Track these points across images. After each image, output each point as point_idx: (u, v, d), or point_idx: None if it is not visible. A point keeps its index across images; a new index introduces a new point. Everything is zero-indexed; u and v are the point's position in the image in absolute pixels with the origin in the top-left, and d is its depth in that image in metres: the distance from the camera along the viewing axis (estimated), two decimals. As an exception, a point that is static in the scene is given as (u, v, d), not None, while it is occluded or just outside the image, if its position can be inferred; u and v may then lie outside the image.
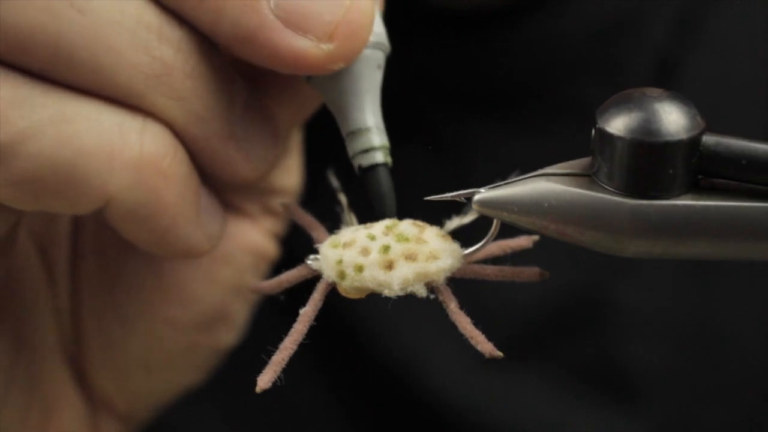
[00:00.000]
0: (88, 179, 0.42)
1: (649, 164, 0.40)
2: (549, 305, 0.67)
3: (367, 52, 0.45)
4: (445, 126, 0.66)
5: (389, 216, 0.45)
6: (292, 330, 0.44)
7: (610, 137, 0.40)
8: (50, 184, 0.42)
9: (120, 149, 0.42)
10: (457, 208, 0.45)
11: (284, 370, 0.43)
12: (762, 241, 0.41)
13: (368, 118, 0.45)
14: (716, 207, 0.41)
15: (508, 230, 0.44)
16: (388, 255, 0.43)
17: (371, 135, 0.45)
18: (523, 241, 0.46)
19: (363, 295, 0.44)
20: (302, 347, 0.43)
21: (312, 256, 0.45)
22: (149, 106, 0.43)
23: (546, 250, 0.45)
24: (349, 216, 0.46)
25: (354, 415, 0.70)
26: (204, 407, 0.68)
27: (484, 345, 0.42)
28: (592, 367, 0.68)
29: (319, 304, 0.44)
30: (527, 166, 0.42)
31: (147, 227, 0.44)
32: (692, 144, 0.40)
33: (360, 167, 0.45)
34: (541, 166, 0.42)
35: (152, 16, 0.42)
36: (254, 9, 0.42)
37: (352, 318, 0.63)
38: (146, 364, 0.53)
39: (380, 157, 0.45)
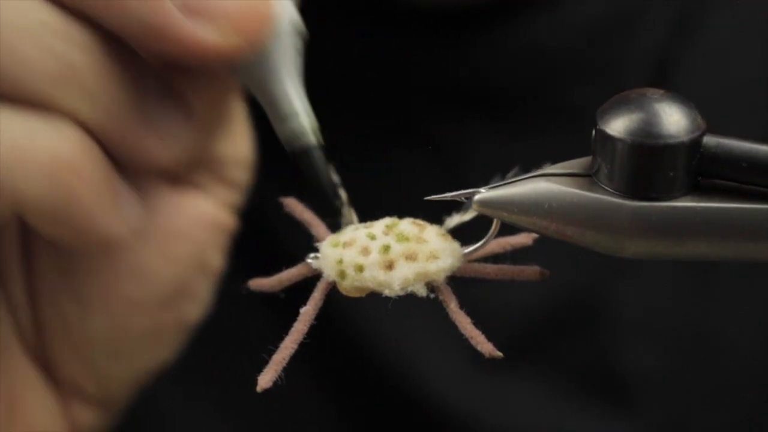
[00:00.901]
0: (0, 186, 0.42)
1: (649, 166, 0.40)
2: (547, 306, 0.67)
3: (281, 36, 0.45)
4: (443, 127, 0.66)
5: (331, 195, 0.45)
6: (293, 329, 0.44)
7: (610, 139, 0.40)
8: None
9: (31, 154, 0.42)
10: (457, 207, 0.45)
11: (284, 370, 0.43)
12: (762, 242, 0.41)
13: (292, 102, 0.46)
14: (716, 209, 0.41)
15: (508, 229, 0.44)
16: (388, 255, 0.43)
17: (298, 118, 0.45)
18: (523, 239, 0.46)
19: (363, 294, 0.44)
20: (303, 346, 0.43)
21: (312, 255, 0.45)
22: (59, 106, 0.43)
23: (545, 251, 0.45)
24: (349, 212, 0.46)
25: (352, 416, 0.70)
26: (203, 406, 0.68)
27: (483, 345, 0.42)
28: (589, 368, 0.68)
29: (320, 303, 0.44)
30: (525, 166, 0.42)
31: (66, 227, 0.44)
32: (693, 146, 0.40)
33: (293, 152, 0.46)
34: (539, 167, 0.42)
35: (56, 20, 0.43)
36: (158, 4, 0.42)
37: (352, 317, 0.64)
38: (111, 347, 0.53)
39: (311, 138, 0.46)
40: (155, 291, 0.52)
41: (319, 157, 0.46)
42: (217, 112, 0.49)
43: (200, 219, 0.52)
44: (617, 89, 0.41)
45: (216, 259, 0.54)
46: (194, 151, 0.47)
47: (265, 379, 0.43)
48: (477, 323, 0.43)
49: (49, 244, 0.51)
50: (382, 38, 0.63)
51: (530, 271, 0.45)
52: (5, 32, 0.42)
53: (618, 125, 0.40)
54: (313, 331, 0.44)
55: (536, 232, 0.43)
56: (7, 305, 0.52)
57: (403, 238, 0.44)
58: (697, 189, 0.41)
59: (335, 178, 0.46)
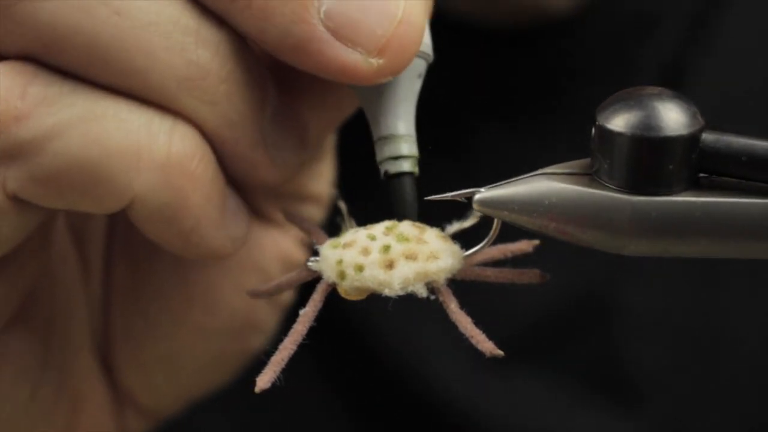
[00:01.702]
0: (114, 178, 0.42)
1: (649, 160, 0.40)
2: (555, 306, 0.67)
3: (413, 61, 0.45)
4: (459, 132, 0.66)
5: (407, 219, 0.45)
6: (292, 330, 0.43)
7: (610, 134, 0.41)
8: (75, 183, 0.42)
9: (147, 149, 0.42)
10: (459, 209, 0.45)
11: (286, 372, 0.42)
12: (762, 238, 0.41)
13: (401, 125, 0.45)
14: (716, 203, 0.41)
15: (509, 233, 0.44)
16: (388, 255, 0.43)
17: (402, 143, 0.45)
18: (523, 245, 0.46)
19: (363, 296, 0.44)
20: (304, 348, 0.43)
21: (312, 258, 0.45)
22: (180, 107, 0.43)
23: (550, 251, 0.45)
24: (349, 222, 0.46)
25: (356, 417, 0.70)
26: (204, 407, 0.67)
27: (484, 344, 0.42)
28: (595, 368, 0.68)
29: (319, 305, 0.44)
30: (533, 168, 0.42)
31: (171, 228, 0.44)
32: (692, 140, 0.40)
33: (386, 173, 0.45)
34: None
35: (190, 19, 0.42)
36: (303, 19, 0.41)
37: (356, 319, 0.64)
38: (171, 367, 0.53)
39: (407, 166, 0.45)
40: (223, 320, 0.52)
41: (410, 186, 0.45)
42: (325, 137, 0.49)
43: (275, 254, 0.52)
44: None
45: (289, 293, 0.54)
46: (298, 171, 0.47)
47: (264, 380, 0.42)
48: (479, 324, 0.43)
49: (128, 258, 0.52)
50: None
51: (531, 273, 0.45)
52: (137, 27, 0.41)
53: (617, 121, 0.41)
54: (315, 333, 0.43)
55: (536, 231, 0.43)
56: (86, 302, 0.53)
57: (403, 238, 0.44)
58: (697, 185, 0.41)
59: (412, 211, 0.45)
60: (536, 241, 0.46)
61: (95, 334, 0.53)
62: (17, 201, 0.43)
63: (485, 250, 0.45)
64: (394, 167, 0.45)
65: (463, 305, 0.43)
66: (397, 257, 0.43)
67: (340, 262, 0.43)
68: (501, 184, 0.43)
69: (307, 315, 0.44)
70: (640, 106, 0.41)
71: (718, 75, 0.67)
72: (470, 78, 0.66)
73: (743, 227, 0.40)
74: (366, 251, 0.43)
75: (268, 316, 0.54)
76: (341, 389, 0.70)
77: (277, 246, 0.52)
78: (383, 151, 0.45)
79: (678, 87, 0.64)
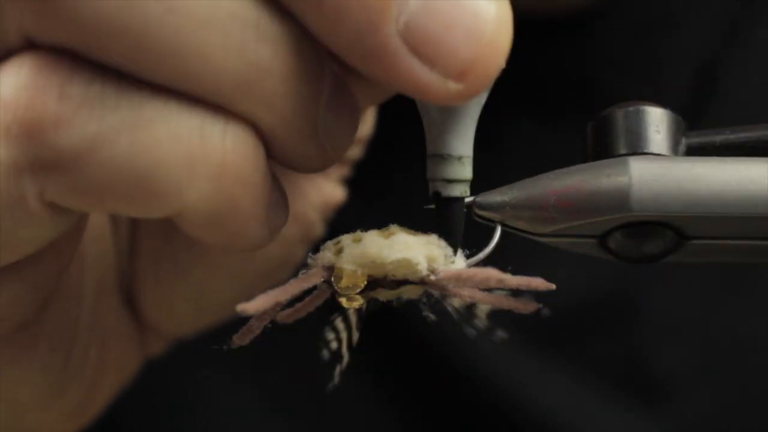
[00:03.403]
0: (163, 189, 0.38)
1: (639, 127, 0.43)
2: (581, 302, 0.64)
3: None
4: (491, 125, 0.62)
5: (454, 248, 0.44)
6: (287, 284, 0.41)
7: (602, 120, 0.44)
8: (121, 194, 0.38)
9: (200, 157, 0.38)
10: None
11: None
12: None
13: (460, 145, 0.43)
14: (713, 158, 0.42)
15: (511, 244, 0.44)
16: (387, 230, 0.43)
17: (460, 166, 0.43)
18: (527, 306, 0.44)
19: (361, 282, 0.42)
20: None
21: (310, 255, 0.43)
22: (235, 109, 0.39)
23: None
24: None
25: (397, 397, 0.66)
26: (251, 393, 0.63)
27: (517, 304, 0.40)
28: (620, 367, 0.65)
29: (314, 281, 0.42)
30: (563, 164, 0.44)
31: (216, 232, 0.40)
32: (676, 119, 0.43)
33: (437, 194, 0.43)
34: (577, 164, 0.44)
35: (250, 11, 0.38)
36: (379, 29, 0.37)
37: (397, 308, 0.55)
38: (200, 305, 0.49)
39: (460, 190, 0.43)
40: (258, 267, 0.49)
41: (460, 212, 0.43)
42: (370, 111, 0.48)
43: (316, 200, 0.50)
44: (660, 89, 0.44)
45: (319, 229, 0.51)
46: (347, 151, 0.44)
47: (249, 305, 0.39)
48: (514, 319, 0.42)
49: None
50: None
51: (536, 282, 0.43)
52: (191, 25, 0.37)
53: (608, 111, 0.44)
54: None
55: (537, 226, 0.43)
56: (115, 248, 0.49)
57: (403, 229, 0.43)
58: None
59: (458, 236, 0.44)
60: (552, 285, 0.44)
61: (123, 277, 0.49)
62: (54, 207, 0.39)
63: (487, 296, 0.44)
64: (446, 190, 0.43)
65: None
66: (396, 230, 0.42)
67: (337, 242, 0.43)
68: (498, 189, 0.44)
69: (298, 281, 0.42)
70: (629, 104, 0.44)
71: (753, 73, 0.66)
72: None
73: (740, 174, 0.42)
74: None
75: (300, 253, 0.50)
76: (380, 373, 0.66)
77: (317, 192, 0.50)
78: (437, 170, 0.43)
79: (713, 84, 0.63)
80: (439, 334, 0.68)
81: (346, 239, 0.42)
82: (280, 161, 0.42)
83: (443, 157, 0.43)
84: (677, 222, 0.42)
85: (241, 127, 0.39)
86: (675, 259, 0.43)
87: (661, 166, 0.42)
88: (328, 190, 0.53)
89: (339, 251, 0.42)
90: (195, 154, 0.38)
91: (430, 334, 0.69)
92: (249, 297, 0.50)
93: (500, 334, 0.44)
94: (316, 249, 0.44)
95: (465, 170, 0.43)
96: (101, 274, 0.50)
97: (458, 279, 0.42)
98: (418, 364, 0.70)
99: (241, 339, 0.40)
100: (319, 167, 0.42)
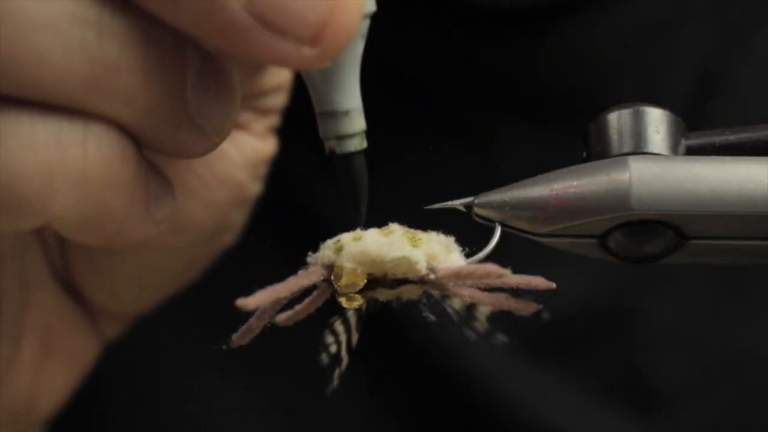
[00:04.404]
0: (26, 203, 0.37)
1: (638, 128, 0.43)
2: (578, 310, 0.64)
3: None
4: (479, 124, 0.62)
5: (360, 206, 0.43)
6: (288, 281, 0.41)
7: (602, 121, 0.44)
8: None
9: (61, 166, 0.37)
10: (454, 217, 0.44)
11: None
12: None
13: (345, 99, 0.42)
14: (712, 158, 0.42)
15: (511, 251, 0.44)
16: (387, 228, 0.42)
17: (348, 119, 0.42)
18: (527, 307, 0.44)
19: (360, 280, 0.42)
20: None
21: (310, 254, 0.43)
22: (91, 110, 0.38)
23: (576, 257, 0.44)
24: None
25: (390, 402, 0.66)
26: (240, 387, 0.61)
27: (519, 305, 0.40)
28: (617, 374, 0.65)
29: (313, 279, 0.42)
30: (560, 167, 0.44)
31: (94, 235, 0.40)
32: (675, 119, 0.43)
33: (333, 152, 0.42)
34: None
35: (88, 8, 0.37)
36: (221, 4, 0.36)
37: (394, 310, 0.55)
38: (141, 282, 0.49)
39: (357, 143, 0.42)
40: (192, 237, 0.49)
41: (360, 164, 0.42)
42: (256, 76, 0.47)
43: (242, 160, 0.49)
44: (658, 93, 0.44)
45: (254, 188, 0.50)
46: (232, 127, 0.43)
47: (248, 300, 0.39)
48: (513, 320, 0.42)
49: None
50: (429, 34, 0.63)
51: (536, 281, 0.43)
52: (24, 32, 0.36)
53: (606, 113, 0.44)
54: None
55: (537, 226, 0.43)
56: (40, 240, 0.49)
57: (403, 227, 0.43)
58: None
59: (363, 192, 0.43)
60: (552, 284, 0.43)
61: (54, 264, 0.49)
62: None
63: (487, 297, 0.43)
64: (340, 147, 0.42)
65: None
66: (396, 229, 0.42)
67: (337, 240, 0.42)
68: (499, 188, 0.44)
69: (298, 278, 0.41)
70: (628, 105, 0.44)
71: (753, 78, 0.66)
72: (491, 67, 0.64)
73: (740, 173, 0.42)
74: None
75: (237, 216, 0.50)
76: (371, 372, 0.66)
77: (242, 151, 0.49)
78: (327, 129, 0.42)
79: (713, 88, 0.63)
80: (437, 337, 0.68)
81: (346, 237, 0.42)
82: (158, 151, 0.41)
83: (330, 114, 0.42)
84: (677, 221, 0.42)
85: (103, 128, 0.38)
86: (675, 260, 0.43)
87: (660, 165, 0.42)
88: (252, 146, 0.51)
89: (339, 250, 0.42)
90: (54, 163, 0.37)
91: (428, 337, 0.69)
92: (190, 268, 0.50)
93: (500, 337, 0.44)
94: (316, 248, 0.44)
95: (354, 123, 0.42)
96: (24, 267, 0.50)
97: (458, 276, 0.42)
98: (416, 368, 0.70)
99: (240, 339, 0.40)
100: (203, 149, 0.41)
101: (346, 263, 0.42)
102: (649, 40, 0.70)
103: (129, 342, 0.56)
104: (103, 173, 0.38)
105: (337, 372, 0.44)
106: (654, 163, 0.42)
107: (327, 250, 0.42)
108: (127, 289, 0.51)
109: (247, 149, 0.50)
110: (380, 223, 0.43)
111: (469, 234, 0.44)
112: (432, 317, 0.43)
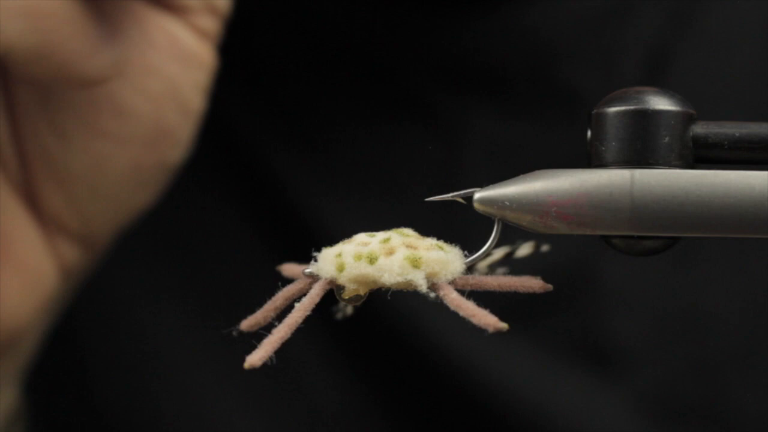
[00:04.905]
0: None
1: (645, 132, 0.42)
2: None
3: None
4: (440, 104, 0.66)
5: None
6: (287, 318, 0.42)
7: (607, 116, 0.42)
8: None
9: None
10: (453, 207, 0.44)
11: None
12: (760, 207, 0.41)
13: None
14: (715, 174, 0.41)
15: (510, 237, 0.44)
16: (388, 244, 0.43)
17: None
18: (534, 284, 0.45)
19: (362, 292, 0.43)
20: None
21: (310, 264, 0.44)
22: None
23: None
24: None
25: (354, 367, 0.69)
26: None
27: (486, 319, 0.41)
28: (578, 338, 0.69)
29: (317, 300, 0.43)
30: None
31: (42, 67, 0.46)
32: (684, 116, 0.42)
33: None
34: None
35: None
36: None
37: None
38: (92, 183, 0.53)
39: None
40: (134, 128, 0.52)
41: None
42: None
43: (176, 53, 0.52)
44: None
45: (196, 99, 0.53)
46: None
47: (255, 358, 0.40)
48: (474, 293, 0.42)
49: (27, 82, 0.52)
50: (389, 13, 0.64)
51: (533, 283, 0.44)
52: None
53: (613, 105, 0.42)
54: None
55: (537, 229, 0.43)
56: None
57: (404, 234, 0.43)
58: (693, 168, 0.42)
59: None
60: (549, 286, 0.45)
61: (9, 167, 0.53)
62: None
63: (491, 280, 0.44)
64: None
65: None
66: (397, 245, 0.43)
67: (339, 254, 0.43)
68: (499, 183, 0.43)
69: (303, 306, 0.42)
70: (635, 95, 0.42)
71: (702, 63, 0.69)
72: (450, 48, 0.67)
73: (743, 196, 0.41)
74: (365, 243, 0.43)
75: (181, 126, 0.53)
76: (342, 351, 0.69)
77: (171, 39, 0.52)
78: None
79: (664, 71, 0.67)
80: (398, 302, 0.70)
81: (347, 254, 0.42)
82: None
83: None
84: (678, 235, 0.42)
85: None
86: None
87: (663, 186, 0.41)
88: (189, 42, 0.53)
89: (341, 268, 0.42)
90: None
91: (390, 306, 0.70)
92: (141, 178, 0.53)
93: None
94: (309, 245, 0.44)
95: None
96: None
97: (456, 286, 0.43)
98: (376, 331, 0.71)
99: (254, 359, 0.41)
100: None
101: (348, 283, 0.42)
102: (602, 24, 0.69)
103: (128, 337, 0.56)
104: (48, 5, 0.45)
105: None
106: (657, 183, 0.41)
107: (329, 264, 0.43)
108: (80, 191, 0.53)
109: (181, 43, 0.53)
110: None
111: (467, 227, 0.45)
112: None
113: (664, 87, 0.43)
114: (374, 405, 0.70)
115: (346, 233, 0.44)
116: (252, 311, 0.44)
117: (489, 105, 0.69)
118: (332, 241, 0.43)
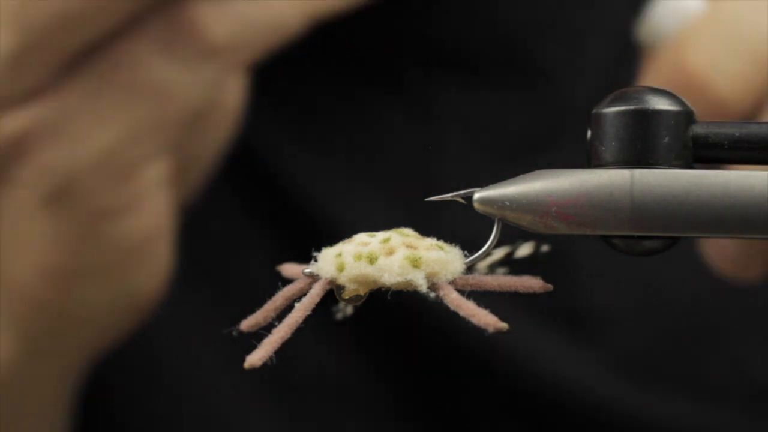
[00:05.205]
0: None
1: (645, 132, 0.42)
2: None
3: None
4: (414, 80, 0.67)
5: None
6: (287, 318, 0.42)
7: (606, 117, 0.42)
8: None
9: None
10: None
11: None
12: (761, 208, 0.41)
13: None
14: (716, 174, 0.41)
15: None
16: (388, 244, 0.43)
17: None
18: (534, 284, 0.45)
19: (363, 292, 0.43)
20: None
21: (310, 264, 0.44)
22: None
23: None
24: None
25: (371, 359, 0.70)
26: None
27: (486, 318, 0.41)
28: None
29: (317, 299, 0.43)
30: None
31: None
32: (684, 116, 0.42)
33: None
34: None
35: None
36: None
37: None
38: None
39: None
40: None
41: None
42: None
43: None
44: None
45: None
46: None
47: (255, 358, 0.41)
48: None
49: None
50: None
51: (532, 283, 0.44)
52: None
53: (612, 105, 0.42)
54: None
55: (537, 229, 0.43)
56: None
57: (404, 234, 0.43)
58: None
59: None
60: (549, 286, 0.45)
61: None
62: None
63: (491, 280, 0.44)
64: None
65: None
66: (397, 245, 0.43)
67: (339, 254, 0.43)
68: (500, 183, 0.43)
69: (303, 306, 0.42)
70: (634, 94, 0.43)
71: None
72: (424, 23, 0.69)
73: (743, 196, 0.41)
74: (365, 243, 0.43)
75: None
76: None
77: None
78: None
79: (631, 55, 0.67)
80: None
81: (347, 254, 0.42)
82: None
83: None
84: (679, 235, 0.42)
85: None
86: None
87: (663, 186, 0.41)
88: None
89: (341, 268, 0.43)
90: None
91: None
92: None
93: None
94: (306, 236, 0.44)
95: None
96: None
97: (456, 286, 0.43)
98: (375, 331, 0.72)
99: (254, 359, 0.41)
100: None
101: (348, 283, 0.43)
102: (571, 7, 0.70)
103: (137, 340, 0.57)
104: None
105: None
106: (657, 183, 0.41)
107: (329, 264, 0.43)
108: None
109: None
110: (383, 218, 0.43)
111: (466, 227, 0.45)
112: None
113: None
114: (375, 384, 0.71)
115: (345, 232, 0.44)
116: (252, 311, 0.44)
117: (463, 79, 0.69)
118: (333, 240, 0.44)
